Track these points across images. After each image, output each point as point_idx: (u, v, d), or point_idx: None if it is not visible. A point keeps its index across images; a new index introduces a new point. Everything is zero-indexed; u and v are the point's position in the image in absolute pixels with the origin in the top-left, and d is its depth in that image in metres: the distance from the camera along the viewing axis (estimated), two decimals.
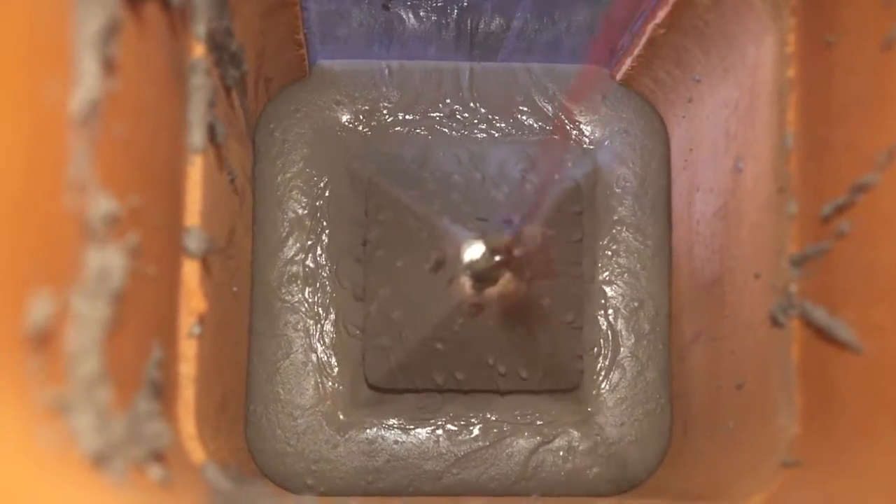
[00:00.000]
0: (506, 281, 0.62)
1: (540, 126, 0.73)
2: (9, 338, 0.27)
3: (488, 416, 0.69)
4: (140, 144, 0.38)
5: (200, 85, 0.46)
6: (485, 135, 0.72)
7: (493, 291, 0.62)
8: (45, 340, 0.28)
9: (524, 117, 0.72)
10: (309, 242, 0.70)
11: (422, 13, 0.66)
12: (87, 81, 0.31)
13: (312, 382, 0.69)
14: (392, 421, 0.69)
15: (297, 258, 0.70)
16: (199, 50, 0.46)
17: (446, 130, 0.72)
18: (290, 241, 0.70)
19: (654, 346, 0.71)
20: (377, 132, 0.72)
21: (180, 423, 0.47)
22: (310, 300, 0.70)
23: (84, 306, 0.31)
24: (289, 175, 0.71)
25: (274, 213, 0.70)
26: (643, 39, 0.64)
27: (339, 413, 0.69)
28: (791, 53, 0.51)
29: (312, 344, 0.69)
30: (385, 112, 0.72)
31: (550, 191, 0.66)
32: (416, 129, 0.72)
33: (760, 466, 0.52)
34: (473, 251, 0.62)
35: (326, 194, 0.71)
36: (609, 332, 0.71)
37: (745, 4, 0.55)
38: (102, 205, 0.32)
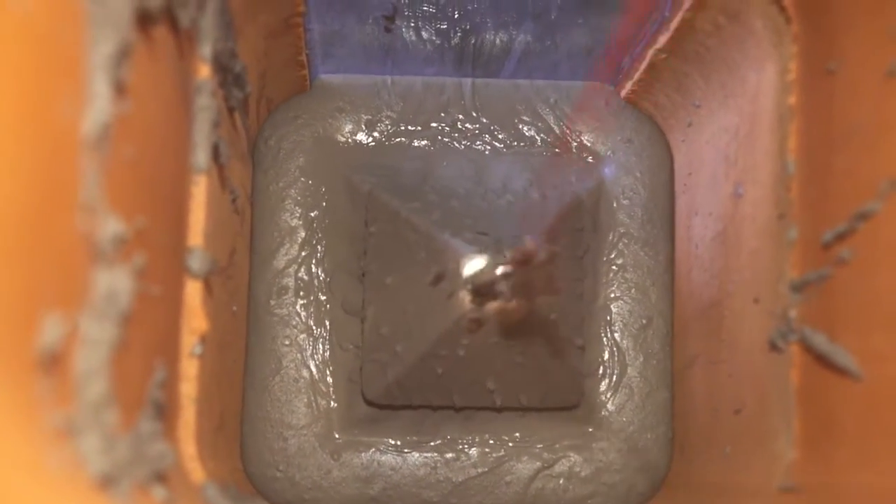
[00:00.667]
0: (506, 296, 0.61)
1: (543, 138, 0.71)
2: (20, 360, 0.27)
3: (486, 438, 0.68)
4: (147, 166, 0.38)
5: (205, 106, 0.46)
6: (488, 147, 0.71)
7: (493, 307, 0.61)
8: (54, 363, 0.28)
9: (527, 129, 0.71)
10: (303, 254, 0.68)
11: (424, 35, 0.66)
12: (99, 104, 0.31)
13: (304, 400, 0.67)
14: (388, 444, 0.67)
15: (289, 270, 0.68)
16: (204, 71, 0.46)
17: (448, 142, 0.70)
18: (282, 253, 0.68)
19: (665, 366, 0.69)
20: (378, 143, 0.70)
21: (181, 443, 0.46)
22: (302, 314, 0.68)
23: (92, 328, 0.31)
24: (282, 184, 0.69)
25: (266, 224, 0.68)
26: (644, 64, 0.65)
27: (333, 433, 0.67)
28: (792, 80, 0.52)
29: (304, 359, 0.67)
30: (387, 122, 0.70)
31: (553, 205, 0.66)
32: (417, 141, 0.70)
33: (758, 492, 0.52)
34: (474, 265, 0.61)
35: (323, 205, 0.69)
36: (616, 350, 0.69)
37: (747, 31, 0.55)
38: (111, 226, 0.32)
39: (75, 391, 0.30)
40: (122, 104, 0.33)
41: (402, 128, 0.70)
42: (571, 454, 0.68)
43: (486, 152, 0.70)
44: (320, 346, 0.68)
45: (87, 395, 0.31)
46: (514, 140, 0.71)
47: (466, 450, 0.67)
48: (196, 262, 0.47)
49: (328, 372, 0.67)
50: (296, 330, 0.68)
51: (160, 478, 0.37)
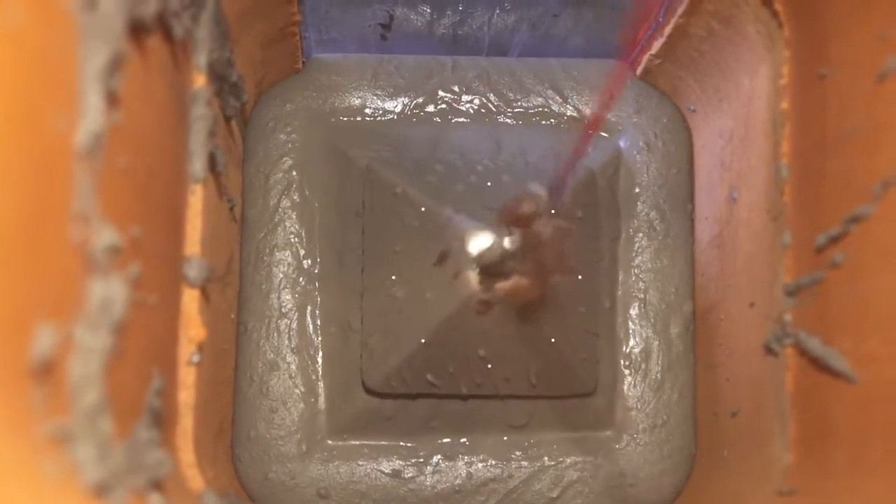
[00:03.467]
0: (516, 275, 0.56)
1: (552, 109, 0.66)
2: (13, 369, 0.27)
3: (488, 457, 0.63)
4: (141, 175, 0.38)
5: (201, 115, 0.46)
6: (493, 120, 0.66)
7: (501, 287, 0.56)
8: (48, 372, 0.29)
9: (536, 100, 0.66)
10: (281, 229, 0.63)
11: (422, 43, 0.66)
12: (92, 115, 0.31)
13: (277, 404, 0.62)
14: (382, 469, 0.62)
15: (264, 245, 0.63)
16: (200, 80, 0.47)
17: (451, 115, 0.66)
18: (260, 226, 0.63)
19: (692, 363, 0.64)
20: (375, 117, 0.66)
21: (179, 450, 0.47)
22: (291, 303, 0.63)
23: (86, 337, 0.31)
24: (273, 162, 0.64)
25: (253, 205, 0.63)
26: (639, 69, 0.65)
27: (318, 442, 0.62)
28: (785, 85, 0.52)
29: (286, 357, 0.62)
30: (385, 96, 0.66)
31: (564, 179, 0.59)
32: (418, 115, 0.66)
33: (755, 495, 0.53)
34: (480, 241, 0.57)
35: (315, 184, 0.64)
36: (646, 341, 0.64)
37: (740, 35, 0.55)
38: (105, 236, 0.33)
39: (70, 400, 0.30)
40: (115, 114, 0.33)
41: (403, 102, 0.66)
42: (586, 477, 0.63)
43: (492, 126, 0.66)
44: (302, 338, 0.63)
45: (82, 404, 0.31)
46: (524, 112, 0.66)
47: (467, 479, 0.62)
48: (193, 271, 0.47)
49: (309, 365, 0.62)
50: (265, 318, 0.63)
51: (157, 485, 0.37)
